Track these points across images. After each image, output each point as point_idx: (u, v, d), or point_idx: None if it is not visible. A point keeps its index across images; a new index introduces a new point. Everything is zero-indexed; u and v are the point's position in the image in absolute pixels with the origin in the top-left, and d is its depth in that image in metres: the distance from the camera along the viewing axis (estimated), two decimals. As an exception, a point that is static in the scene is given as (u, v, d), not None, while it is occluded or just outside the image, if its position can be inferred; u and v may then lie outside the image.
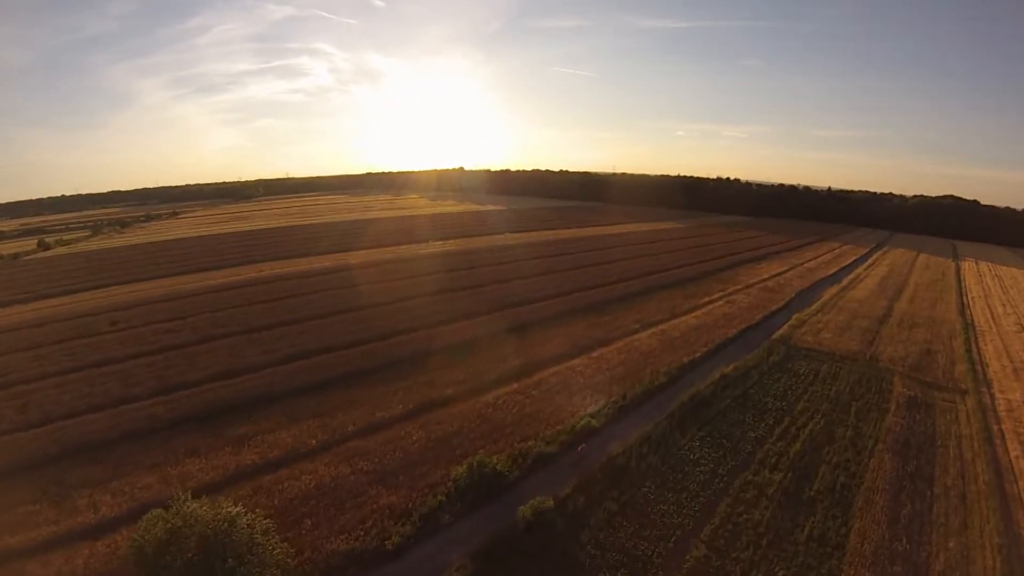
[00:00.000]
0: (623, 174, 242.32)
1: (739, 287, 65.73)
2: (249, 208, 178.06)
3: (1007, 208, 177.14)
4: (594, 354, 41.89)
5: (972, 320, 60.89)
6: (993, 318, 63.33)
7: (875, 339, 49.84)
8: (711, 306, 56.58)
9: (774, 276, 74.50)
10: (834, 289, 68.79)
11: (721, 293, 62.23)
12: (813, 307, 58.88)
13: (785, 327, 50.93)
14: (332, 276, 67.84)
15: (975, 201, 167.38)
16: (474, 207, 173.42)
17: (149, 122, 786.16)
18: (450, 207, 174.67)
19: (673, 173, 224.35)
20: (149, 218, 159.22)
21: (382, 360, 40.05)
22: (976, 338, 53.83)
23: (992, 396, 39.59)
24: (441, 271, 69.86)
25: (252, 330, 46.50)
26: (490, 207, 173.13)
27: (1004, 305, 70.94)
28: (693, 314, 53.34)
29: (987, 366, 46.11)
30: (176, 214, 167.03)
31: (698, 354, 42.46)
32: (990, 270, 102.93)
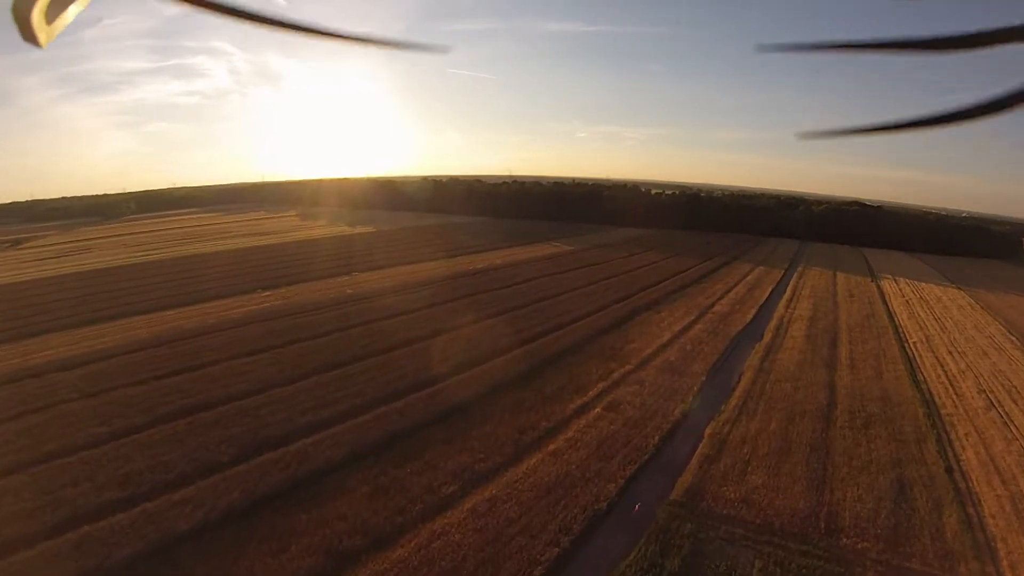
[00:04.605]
0: (514, 181, 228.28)
1: (629, 368, 48.73)
2: (103, 234, 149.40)
3: (907, 212, 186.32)
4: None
5: (931, 395, 48.79)
6: (950, 382, 52.40)
7: (827, 468, 34.51)
8: (582, 421, 38.54)
9: (677, 336, 59.17)
10: (756, 356, 54.30)
11: (602, 386, 44.48)
12: (733, 401, 43.20)
13: (694, 461, 34.01)
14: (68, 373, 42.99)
15: (880, 207, 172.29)
16: (343, 230, 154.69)
17: (30, 124, 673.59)
18: (318, 230, 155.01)
19: (571, 176, 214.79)
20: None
21: None
22: (948, 436, 40.94)
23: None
24: (224, 358, 46.88)
25: None
26: (359, 229, 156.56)
27: (952, 353, 61.54)
28: (550, 446, 34.85)
29: (979, 502, 32.28)
30: (18, 243, 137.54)
31: (538, 570, 23.81)
32: (914, 292, 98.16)
